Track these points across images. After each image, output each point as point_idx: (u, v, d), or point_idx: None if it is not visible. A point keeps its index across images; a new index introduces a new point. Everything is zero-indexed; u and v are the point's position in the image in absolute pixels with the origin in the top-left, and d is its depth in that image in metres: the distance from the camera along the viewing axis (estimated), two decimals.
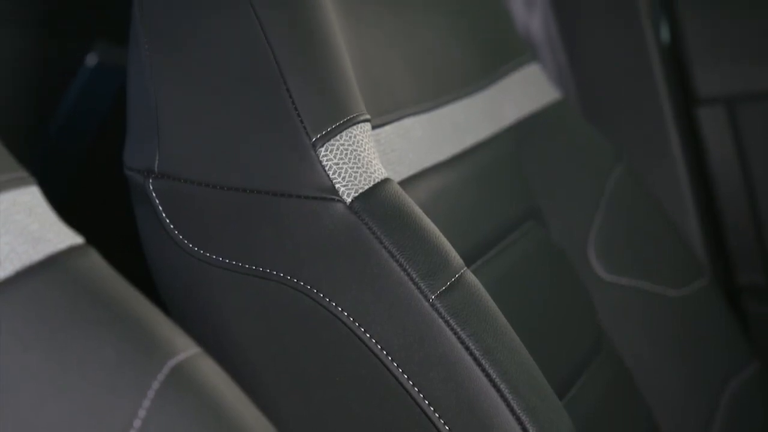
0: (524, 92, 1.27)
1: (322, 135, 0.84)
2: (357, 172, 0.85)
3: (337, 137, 0.85)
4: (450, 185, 1.07)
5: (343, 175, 0.84)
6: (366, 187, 0.85)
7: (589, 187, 1.27)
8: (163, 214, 0.87)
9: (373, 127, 0.95)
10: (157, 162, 0.87)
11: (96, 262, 0.64)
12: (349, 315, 0.83)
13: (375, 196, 0.85)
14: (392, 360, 0.83)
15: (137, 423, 0.58)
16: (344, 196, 0.84)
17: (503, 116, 1.22)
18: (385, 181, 0.87)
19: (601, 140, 1.33)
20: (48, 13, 1.32)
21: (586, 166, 1.29)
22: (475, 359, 0.83)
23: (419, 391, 0.83)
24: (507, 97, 1.23)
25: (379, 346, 0.83)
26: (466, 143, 1.12)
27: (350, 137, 0.86)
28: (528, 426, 0.83)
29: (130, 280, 0.66)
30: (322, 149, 0.84)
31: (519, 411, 0.83)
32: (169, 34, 0.88)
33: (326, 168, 0.84)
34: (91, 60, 1.35)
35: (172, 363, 0.61)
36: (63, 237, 0.63)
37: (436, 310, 0.83)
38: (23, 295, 0.59)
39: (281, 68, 0.85)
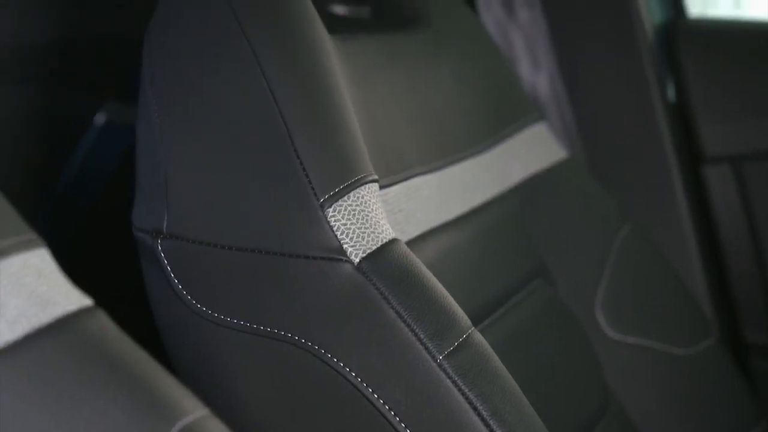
0: (531, 151, 1.28)
1: (330, 195, 0.85)
2: (365, 232, 0.85)
3: (345, 198, 0.85)
4: (457, 244, 1.07)
5: (351, 235, 0.85)
6: (374, 248, 0.85)
7: (596, 245, 1.27)
8: (172, 275, 0.87)
9: (381, 187, 0.96)
10: (165, 223, 0.87)
11: (104, 323, 0.64)
12: (357, 376, 0.83)
13: (383, 256, 0.85)
14: (400, 420, 0.83)
15: None
16: (352, 257, 0.84)
17: (510, 175, 1.22)
18: (393, 242, 0.87)
19: (607, 198, 1.34)
20: (57, 71, 1.32)
21: (593, 225, 1.29)
22: (483, 420, 0.83)
23: None
24: (514, 156, 1.24)
25: (386, 407, 0.83)
26: (473, 202, 1.13)
27: (358, 198, 0.86)
28: None
29: (137, 339, 0.66)
30: (330, 210, 0.84)
31: None
32: (178, 93, 0.89)
33: (334, 228, 0.84)
34: (100, 119, 1.36)
35: (180, 425, 0.61)
36: (72, 299, 0.63)
37: (444, 370, 0.83)
38: (31, 358, 0.59)
39: (289, 129, 0.85)
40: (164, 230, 0.87)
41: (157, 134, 0.88)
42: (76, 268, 0.80)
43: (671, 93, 1.59)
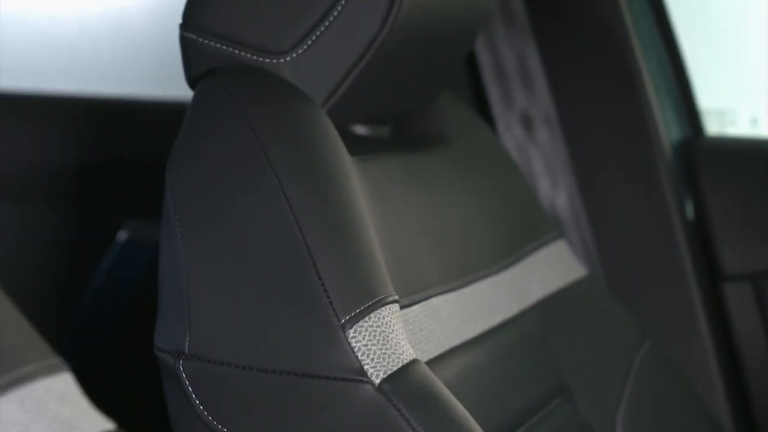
0: (550, 269, 1.28)
1: (351, 317, 0.85)
2: (385, 353, 0.86)
3: (366, 318, 0.86)
4: (477, 364, 1.07)
5: (371, 356, 0.85)
6: (394, 369, 0.85)
7: (616, 364, 1.27)
8: (194, 396, 0.88)
9: (402, 307, 0.96)
10: (187, 344, 0.88)
11: None
12: None
13: (403, 377, 0.85)
14: None
15: None
16: (373, 378, 0.84)
17: (530, 294, 1.22)
18: (414, 362, 0.87)
19: (627, 316, 1.33)
20: (80, 191, 1.34)
21: (614, 344, 1.28)
22: None
23: None
24: (533, 274, 1.24)
25: None
26: (493, 321, 1.13)
27: (379, 318, 0.87)
28: None
29: None
30: (351, 331, 0.85)
31: None
32: (200, 213, 0.90)
33: (355, 349, 0.84)
34: (122, 236, 1.37)
35: None
36: (94, 423, 0.63)
37: None
38: None
39: (311, 252, 0.86)
40: (186, 351, 0.88)
41: (180, 257, 0.89)
42: (99, 388, 0.80)
43: (690, 211, 1.59)
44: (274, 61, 0.95)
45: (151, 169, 1.13)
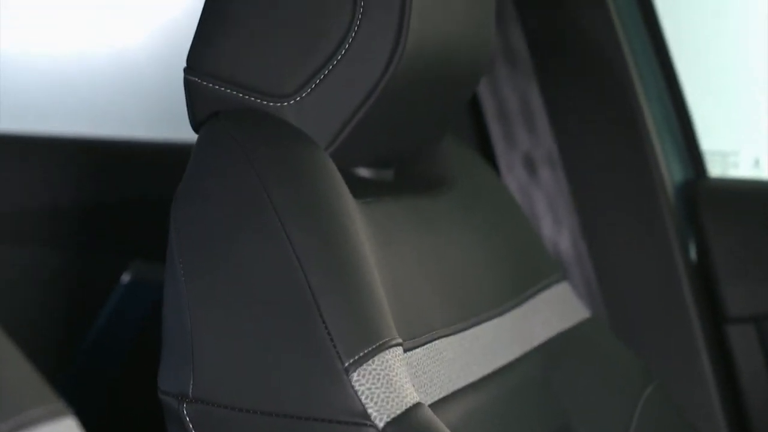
0: (553, 311, 1.28)
1: (355, 360, 0.85)
2: (389, 396, 0.85)
3: (370, 362, 0.86)
4: (481, 406, 1.07)
5: (375, 399, 0.85)
6: (398, 412, 0.85)
7: (620, 406, 1.26)
8: None
9: (405, 350, 0.96)
10: (191, 387, 0.88)
11: None
12: None
13: (407, 421, 0.85)
14: None
15: None
16: (376, 421, 0.84)
17: (533, 336, 1.22)
18: (417, 406, 0.87)
19: (631, 358, 1.33)
20: (83, 233, 1.34)
21: (617, 386, 1.28)
22: None
23: None
24: (536, 316, 1.24)
25: None
26: (496, 364, 1.12)
27: (382, 362, 0.87)
28: None
29: None
30: (355, 374, 0.85)
31: None
32: (205, 260, 0.90)
33: (358, 393, 0.84)
34: (125, 278, 1.37)
35: None
36: None
37: None
38: None
39: (314, 292, 0.86)
40: (190, 395, 0.88)
41: (184, 299, 0.89)
42: (103, 428, 0.80)
43: (693, 252, 1.59)
44: (278, 104, 0.96)
45: (155, 211, 1.14)
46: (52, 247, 1.30)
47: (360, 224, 0.95)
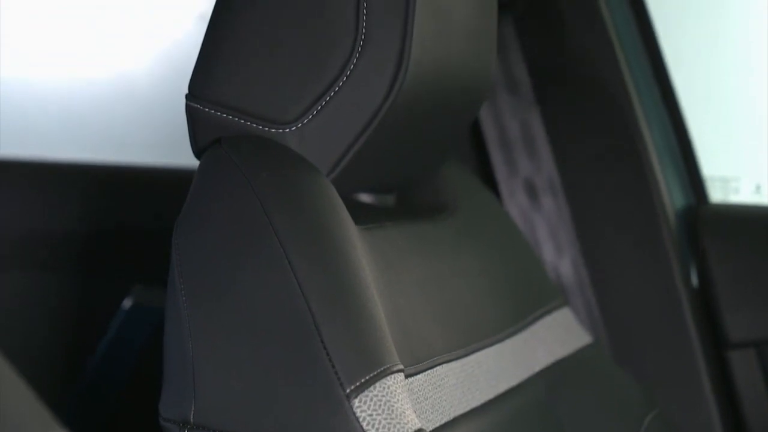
0: (555, 337, 1.28)
1: (357, 386, 0.85)
2: (390, 423, 0.85)
3: (371, 388, 0.86)
4: None
5: (377, 426, 0.85)
6: None
7: None
8: None
9: (407, 376, 0.96)
10: (192, 413, 0.88)
11: None
12: None
13: None
14: None
15: None
16: None
17: (534, 361, 1.22)
18: None
19: (632, 385, 1.33)
20: (85, 258, 1.34)
21: (619, 412, 1.28)
22: None
23: None
24: (538, 342, 1.24)
25: None
26: (498, 389, 1.12)
27: (384, 388, 0.87)
28: None
29: None
30: (356, 401, 0.85)
31: None
32: (207, 286, 0.90)
33: (360, 419, 0.84)
34: (127, 303, 1.37)
35: None
36: None
37: None
38: None
39: (315, 318, 0.86)
40: (191, 421, 0.88)
41: (185, 325, 0.89)
42: None
43: (694, 278, 1.59)
44: (280, 130, 0.96)
45: (156, 236, 1.14)
46: (54, 272, 1.30)
47: (361, 250, 0.95)
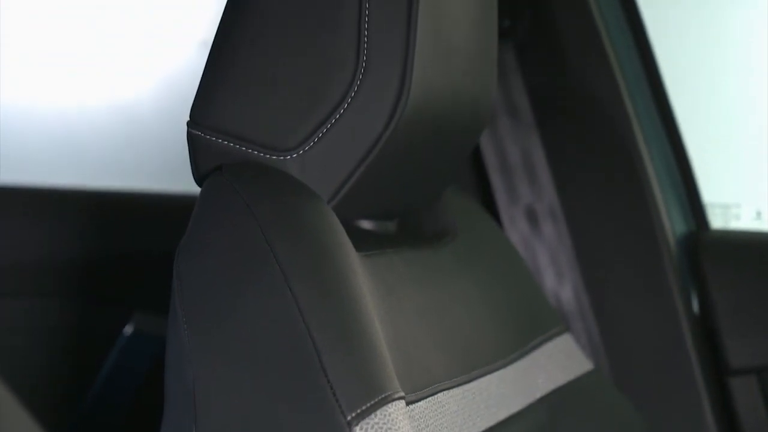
0: (556, 364, 1.28)
1: (358, 414, 0.85)
2: None
3: (372, 416, 0.86)
4: None
5: None
6: None
7: None
8: None
9: (408, 403, 0.96)
10: None
11: None
12: None
13: None
14: None
15: None
16: None
17: (535, 388, 1.22)
18: None
19: (633, 411, 1.33)
20: (87, 285, 1.34)
21: None
22: None
23: None
24: (539, 368, 1.24)
25: None
26: (499, 416, 1.12)
27: (385, 416, 0.86)
28: None
29: None
30: (357, 428, 0.84)
31: None
32: (206, 308, 0.90)
33: None
34: (128, 330, 1.37)
35: None
36: None
37: None
38: None
39: (316, 345, 0.86)
40: None
41: (186, 352, 0.89)
42: None
43: (695, 304, 1.59)
44: (281, 157, 0.96)
45: (158, 264, 1.14)
46: (55, 300, 1.30)
47: (362, 277, 0.95)
